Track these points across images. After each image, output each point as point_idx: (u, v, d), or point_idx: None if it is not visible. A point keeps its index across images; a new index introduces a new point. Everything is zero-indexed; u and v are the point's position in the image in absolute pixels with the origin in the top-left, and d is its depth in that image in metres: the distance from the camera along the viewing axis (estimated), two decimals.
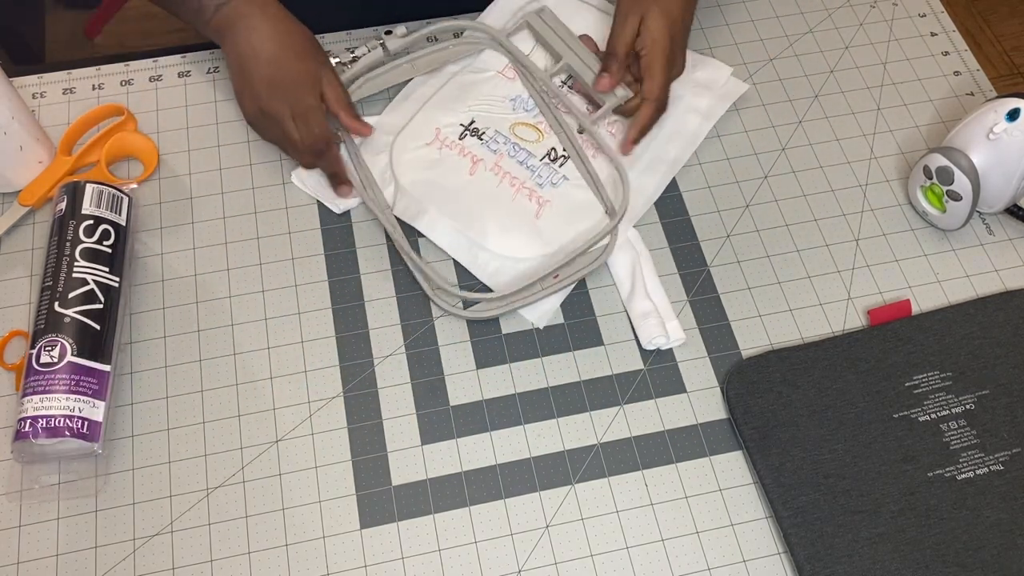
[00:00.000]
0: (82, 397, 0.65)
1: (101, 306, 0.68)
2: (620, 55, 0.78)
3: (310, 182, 0.79)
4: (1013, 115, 0.72)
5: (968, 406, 0.70)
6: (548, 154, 0.80)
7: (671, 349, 0.73)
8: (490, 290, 0.74)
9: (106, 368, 0.67)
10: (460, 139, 0.80)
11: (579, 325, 0.74)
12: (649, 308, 0.73)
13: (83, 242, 0.70)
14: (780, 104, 0.86)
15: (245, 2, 0.76)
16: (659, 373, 0.72)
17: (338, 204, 0.78)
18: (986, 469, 0.67)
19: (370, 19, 0.89)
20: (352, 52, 0.82)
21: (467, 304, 0.73)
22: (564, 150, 0.80)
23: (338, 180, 0.77)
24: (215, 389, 0.70)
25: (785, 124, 0.85)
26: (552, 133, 0.81)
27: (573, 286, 0.75)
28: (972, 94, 0.87)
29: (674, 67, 0.78)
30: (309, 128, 0.75)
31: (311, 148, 0.75)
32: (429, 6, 0.89)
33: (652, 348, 0.73)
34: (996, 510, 0.66)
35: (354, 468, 0.68)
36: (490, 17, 0.87)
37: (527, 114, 0.82)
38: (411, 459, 0.68)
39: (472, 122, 0.81)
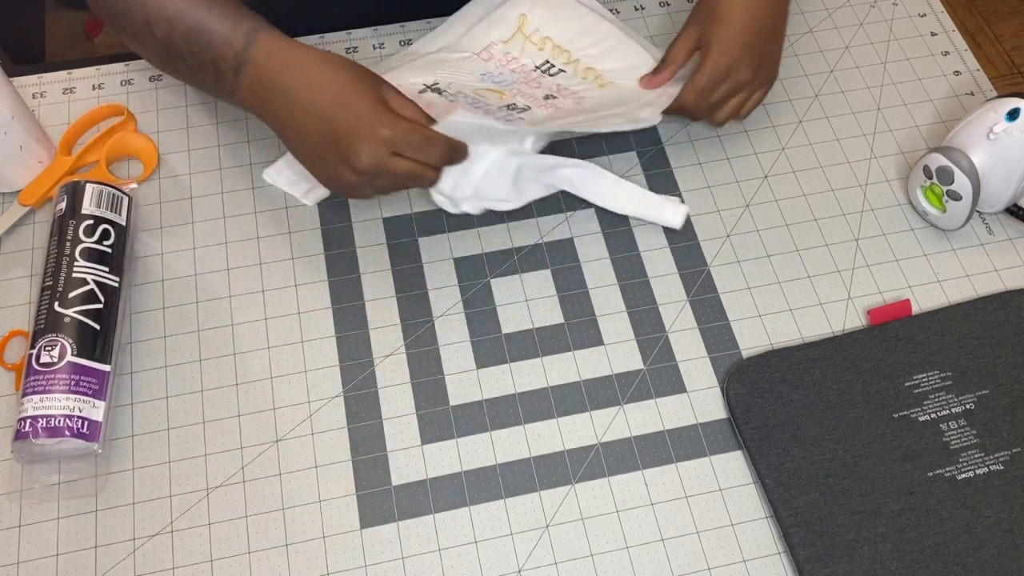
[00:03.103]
0: (82, 397, 0.65)
1: (101, 306, 0.68)
2: (677, 61, 0.78)
3: (280, 179, 0.78)
4: (1013, 115, 0.72)
5: (968, 406, 0.70)
6: (540, 66, 0.79)
7: (671, 349, 0.73)
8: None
9: (106, 368, 0.67)
10: (420, 94, 0.76)
11: (579, 325, 0.74)
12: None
13: (83, 242, 0.70)
14: (780, 104, 0.86)
15: (266, 56, 0.67)
16: (659, 373, 0.72)
17: (309, 197, 0.77)
18: (986, 469, 0.67)
19: (367, 19, 0.89)
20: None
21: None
22: (552, 69, 0.80)
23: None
24: (215, 389, 0.70)
25: (785, 124, 0.85)
26: (516, 96, 0.78)
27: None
28: (972, 94, 0.87)
29: (737, 72, 0.75)
30: (388, 179, 0.68)
31: (398, 188, 0.71)
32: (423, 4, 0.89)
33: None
34: (996, 510, 0.66)
35: (354, 468, 0.68)
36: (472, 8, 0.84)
37: (495, 85, 0.79)
38: (411, 459, 0.68)
39: (435, 83, 0.77)
